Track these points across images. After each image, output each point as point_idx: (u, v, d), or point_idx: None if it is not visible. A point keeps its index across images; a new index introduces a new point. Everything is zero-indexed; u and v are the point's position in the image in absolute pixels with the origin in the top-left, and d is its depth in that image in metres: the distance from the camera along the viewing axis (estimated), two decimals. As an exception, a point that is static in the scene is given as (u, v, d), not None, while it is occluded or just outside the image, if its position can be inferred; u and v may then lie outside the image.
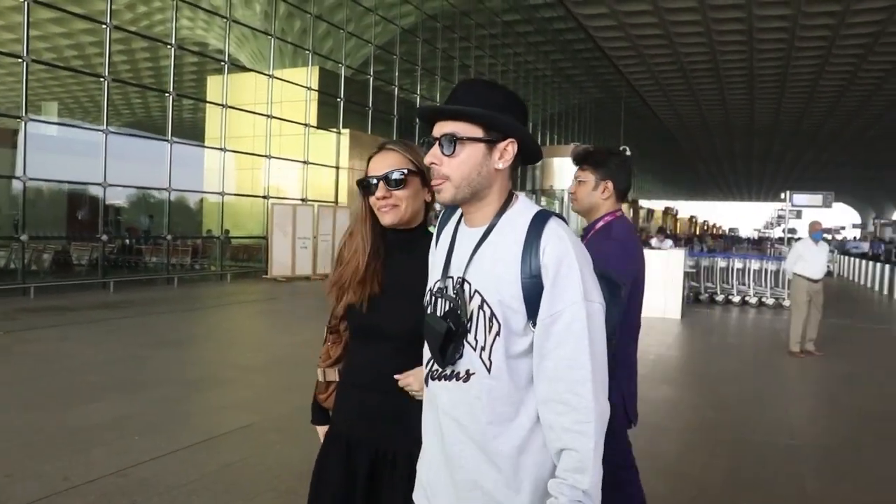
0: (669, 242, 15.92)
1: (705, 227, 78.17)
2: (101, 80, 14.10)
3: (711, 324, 12.61)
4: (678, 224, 61.31)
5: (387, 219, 1.85)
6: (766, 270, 15.13)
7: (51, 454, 4.52)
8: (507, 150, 1.53)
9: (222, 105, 17.09)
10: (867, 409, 6.92)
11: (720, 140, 57.41)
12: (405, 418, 1.79)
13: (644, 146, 49.81)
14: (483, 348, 1.49)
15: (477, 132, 1.51)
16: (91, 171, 13.99)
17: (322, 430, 2.09)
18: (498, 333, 1.47)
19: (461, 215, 1.64)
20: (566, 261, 1.44)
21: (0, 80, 21.14)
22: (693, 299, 14.97)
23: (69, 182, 14.87)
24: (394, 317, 1.83)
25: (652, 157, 60.64)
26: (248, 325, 11.35)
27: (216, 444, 4.86)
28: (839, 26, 27.00)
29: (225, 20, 17.32)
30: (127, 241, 17.06)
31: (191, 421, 5.44)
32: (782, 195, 28.28)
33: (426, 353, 1.62)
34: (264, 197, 18.54)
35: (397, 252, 1.91)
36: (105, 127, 13.77)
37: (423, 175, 1.86)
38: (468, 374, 1.51)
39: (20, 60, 12.35)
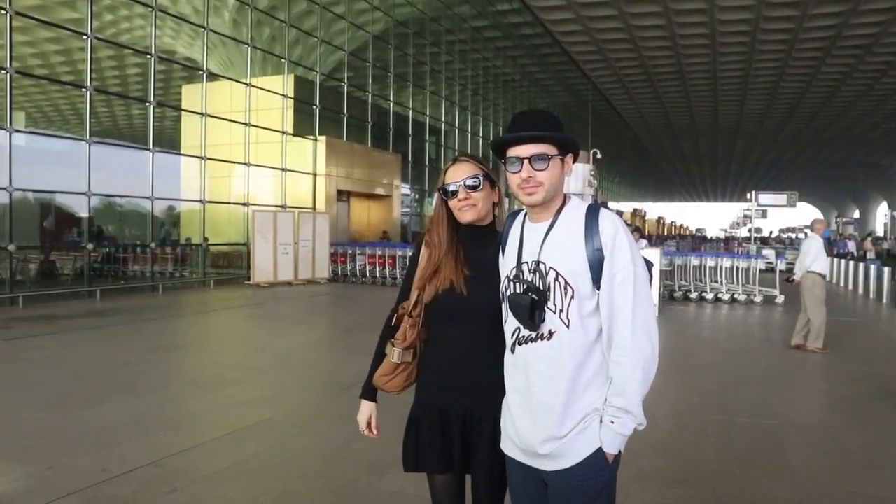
0: (644, 242, 16.39)
1: (674, 228, 79.30)
2: (83, 90, 14.16)
3: (688, 319, 13.06)
4: (646, 225, 62.17)
5: (467, 216, 2.24)
6: (737, 268, 15.64)
7: (82, 450, 4.74)
8: (568, 161, 2.04)
9: (202, 114, 17.21)
10: (840, 393, 7.39)
11: (686, 141, 58.38)
12: (489, 386, 2.16)
13: (612, 149, 50.51)
14: (561, 310, 1.94)
15: (555, 150, 1.99)
16: (71, 181, 14.06)
17: (367, 404, 2.40)
18: (572, 297, 1.93)
19: (524, 219, 2.10)
20: (618, 237, 1.93)
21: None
22: (668, 297, 15.44)
23: (54, 192, 14.86)
24: (475, 298, 2.19)
25: (619, 160, 61.50)
26: (241, 330, 11.54)
27: (240, 437, 5.12)
28: (799, 30, 27.79)
29: (202, 29, 17.42)
30: (109, 249, 17.07)
31: (209, 417, 5.69)
32: (748, 195, 28.96)
33: (509, 328, 2.05)
34: (244, 204, 18.67)
35: (473, 246, 2.28)
36: (88, 137, 13.84)
37: (491, 180, 2.27)
38: (551, 333, 1.95)
39: (4, 72, 12.39)
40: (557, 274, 1.95)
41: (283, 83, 19.97)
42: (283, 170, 19.74)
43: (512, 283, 2.04)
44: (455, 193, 2.23)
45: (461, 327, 2.24)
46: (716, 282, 15.72)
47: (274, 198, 19.73)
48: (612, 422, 1.91)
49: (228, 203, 19.15)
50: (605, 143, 40.28)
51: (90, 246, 14.57)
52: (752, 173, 76.83)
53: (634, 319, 1.89)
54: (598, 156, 25.47)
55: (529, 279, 1.99)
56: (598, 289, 1.93)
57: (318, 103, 20.99)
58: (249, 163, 18.74)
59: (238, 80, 18.83)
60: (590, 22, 29.04)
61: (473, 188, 2.23)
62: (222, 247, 19.32)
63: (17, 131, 12.82)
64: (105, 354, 8.38)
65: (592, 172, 24.63)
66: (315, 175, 20.57)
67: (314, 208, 20.18)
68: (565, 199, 2.07)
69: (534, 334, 1.97)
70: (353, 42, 23.25)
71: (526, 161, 1.96)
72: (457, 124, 31.87)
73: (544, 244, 1.99)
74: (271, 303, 14.28)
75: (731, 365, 8.71)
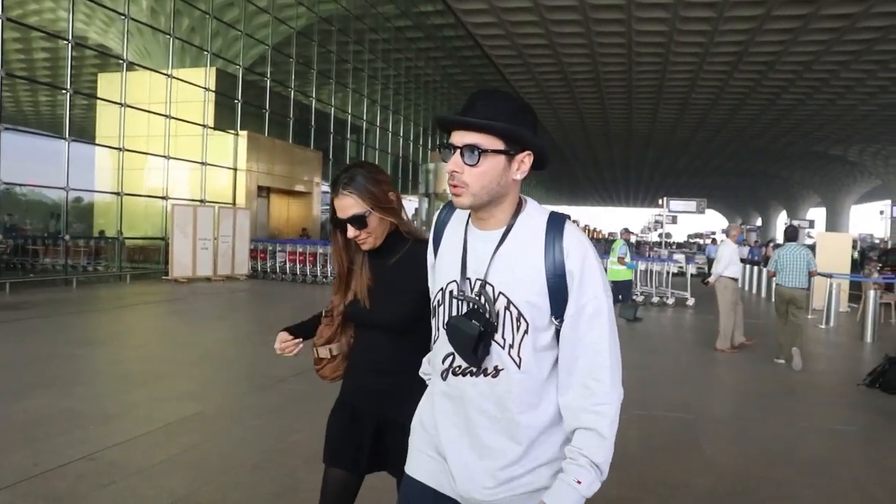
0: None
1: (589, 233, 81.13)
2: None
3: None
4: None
5: (366, 247, 2.20)
6: (650, 271, 16.28)
7: (12, 444, 4.66)
8: (525, 161, 1.64)
9: (121, 104, 16.75)
10: (749, 389, 7.88)
11: (600, 147, 59.92)
12: (402, 394, 2.12)
13: (529, 152, 51.34)
14: (512, 346, 1.63)
15: (498, 145, 1.59)
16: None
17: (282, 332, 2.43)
18: (526, 332, 1.61)
19: (468, 219, 1.73)
20: (587, 261, 1.61)
21: None
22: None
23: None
24: (378, 312, 2.19)
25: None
26: (163, 325, 11.33)
27: (174, 430, 5.12)
28: (710, 44, 28.99)
29: (122, 17, 16.97)
30: (19, 241, 16.43)
31: (140, 411, 5.64)
32: (659, 201, 29.99)
33: (441, 350, 1.74)
34: (163, 198, 18.27)
35: (378, 257, 2.25)
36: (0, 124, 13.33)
37: (379, 209, 2.15)
38: (497, 370, 1.64)
39: None
40: (509, 302, 1.62)
41: (205, 76, 19.63)
42: (203, 164, 19.40)
43: (450, 300, 1.71)
44: (345, 228, 2.18)
45: (370, 337, 2.25)
46: (645, 285, 16.29)
47: (192, 192, 19.36)
48: (580, 482, 1.57)
49: (147, 196, 18.68)
50: (523, 146, 41.02)
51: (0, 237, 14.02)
52: (663, 180, 79.45)
53: (612, 361, 1.62)
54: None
55: (475, 301, 1.65)
56: (556, 319, 1.63)
57: (239, 97, 20.71)
58: (169, 156, 18.34)
59: (158, 71, 18.40)
60: (511, 27, 29.53)
61: (361, 226, 2.15)
62: (139, 241, 18.84)
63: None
64: (23, 349, 8.14)
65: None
66: (236, 170, 20.28)
67: (234, 203, 19.91)
68: (521, 203, 1.70)
69: (474, 368, 1.67)
70: (276, 36, 23.02)
71: (457, 152, 1.60)
72: (378, 123, 31.92)
73: (493, 261, 1.64)
74: (191, 298, 14.05)
75: (648, 364, 9.11)
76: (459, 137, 1.60)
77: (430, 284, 1.86)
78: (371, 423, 2.22)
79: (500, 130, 1.59)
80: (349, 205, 2.13)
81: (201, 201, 18.94)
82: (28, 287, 14.41)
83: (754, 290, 20.98)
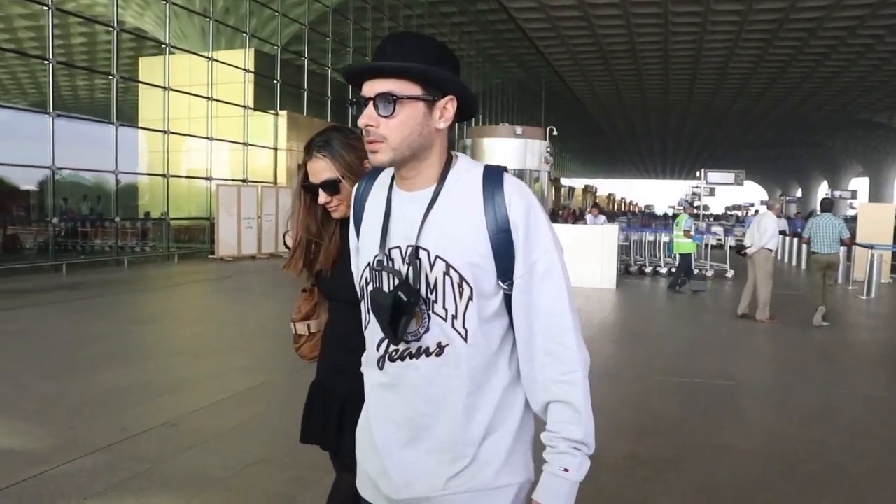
0: (603, 218, 16.99)
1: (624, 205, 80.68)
2: (46, 62, 14.06)
3: (644, 292, 13.67)
4: (597, 201, 63.22)
5: (337, 215, 2.06)
6: (705, 245, 16.34)
7: (95, 413, 5.03)
8: (448, 107, 1.46)
9: (165, 88, 17.16)
10: (786, 358, 8.03)
11: (637, 119, 59.42)
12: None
13: (564, 125, 51.32)
14: (455, 316, 1.43)
15: (416, 90, 1.42)
16: (35, 155, 14.01)
17: None
18: (471, 298, 1.42)
19: (392, 181, 1.55)
20: (532, 212, 1.44)
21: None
22: (624, 271, 16.06)
23: (17, 165, 14.72)
24: (338, 283, 2.03)
25: (571, 137, 62.29)
26: (214, 302, 11.75)
27: (241, 399, 5.46)
28: (748, 11, 28.58)
29: (165, 2, 17.32)
30: (74, 223, 16.99)
31: (206, 383, 5.99)
32: (697, 173, 29.77)
33: (374, 336, 1.53)
34: (207, 178, 18.71)
35: (346, 228, 1.95)
36: (51, 110, 13.76)
37: (351, 174, 2.02)
38: (441, 347, 1.44)
39: None
40: (448, 266, 1.42)
41: (245, 57, 19.95)
42: (244, 144, 19.79)
43: (375, 275, 1.50)
44: (317, 193, 2.05)
45: (336, 311, 2.16)
46: (670, 257, 16.37)
47: (234, 172, 19.79)
48: (566, 469, 1.41)
49: (192, 178, 19.14)
50: (557, 119, 40.97)
51: (55, 220, 14.54)
52: (701, 152, 78.55)
53: (574, 321, 1.45)
54: (555, 133, 26.11)
55: (395, 270, 1.46)
56: (504, 283, 1.44)
57: (278, 77, 21.03)
58: (212, 137, 18.75)
59: (199, 54, 18.77)
60: (546, -1, 29.45)
61: (334, 191, 2.02)
62: (184, 221, 19.35)
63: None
64: (86, 326, 8.57)
65: (548, 149, 25.19)
66: (276, 149, 20.66)
67: (275, 182, 20.31)
68: (451, 159, 1.51)
69: (413, 348, 1.45)
70: (310, 14, 23.23)
71: (370, 103, 1.42)
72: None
73: (425, 223, 1.44)
74: (238, 276, 14.47)
75: (688, 334, 9.30)
76: (371, 87, 1.42)
77: (353, 268, 1.65)
78: (338, 405, 2.13)
79: (416, 73, 1.41)
80: (322, 168, 2.03)
81: (244, 181, 19.36)
82: (82, 268, 14.94)
83: (793, 262, 20.88)
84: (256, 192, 18.31)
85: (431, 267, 1.44)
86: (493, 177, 1.47)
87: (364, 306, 1.56)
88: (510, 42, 37.87)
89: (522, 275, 1.43)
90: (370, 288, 1.51)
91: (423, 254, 1.44)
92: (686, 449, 4.63)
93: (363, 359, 1.65)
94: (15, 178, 15.91)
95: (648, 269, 16.25)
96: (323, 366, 2.25)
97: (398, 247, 1.47)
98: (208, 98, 18.58)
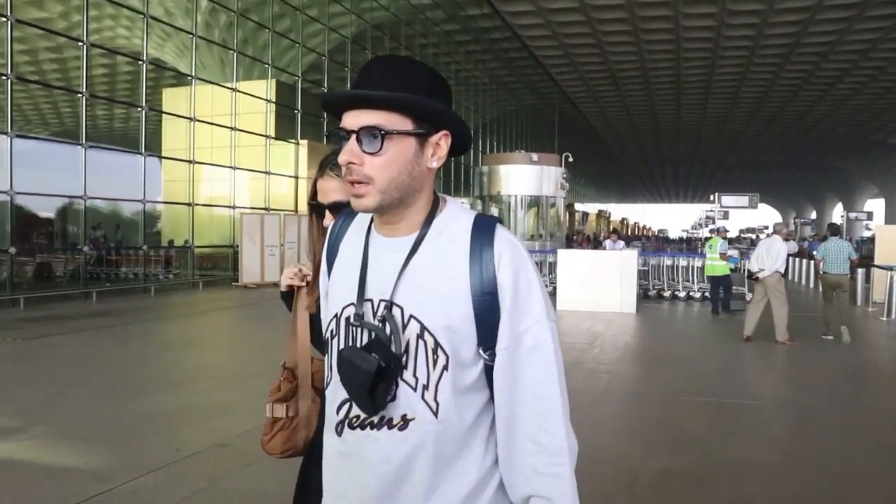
0: (622, 244, 17.19)
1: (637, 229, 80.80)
2: (79, 95, 14.49)
3: (664, 316, 13.83)
4: (611, 226, 63.39)
5: None
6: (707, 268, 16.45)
7: (149, 434, 5.26)
8: (441, 144, 1.29)
9: (190, 118, 17.59)
10: (811, 378, 8.18)
11: (649, 144, 59.77)
12: None
13: (577, 151, 51.71)
14: (426, 387, 1.24)
15: (406, 124, 1.23)
16: (67, 185, 14.40)
17: None
18: (445, 367, 1.23)
19: (370, 223, 1.36)
20: (524, 274, 1.26)
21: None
22: (643, 295, 16.21)
23: (50, 195, 15.08)
24: None
25: (584, 162, 62.64)
26: (242, 328, 12.00)
27: (287, 421, 5.66)
28: (759, 37, 28.94)
29: (191, 36, 17.80)
30: (101, 252, 17.33)
31: (252, 405, 6.19)
32: (711, 197, 29.96)
33: (335, 396, 1.33)
34: (231, 207, 19.08)
35: None
36: (84, 141, 14.17)
37: None
38: (405, 420, 1.25)
39: (4, 77, 12.70)
40: (423, 329, 1.24)
41: (266, 88, 20.39)
42: (266, 173, 20.18)
43: (346, 329, 1.32)
44: (324, 213, 1.91)
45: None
46: (687, 281, 16.52)
47: (254, 200, 20.14)
48: None
49: (216, 206, 19.53)
50: (570, 144, 41.32)
51: (87, 248, 14.89)
52: (713, 175, 78.74)
53: (563, 405, 1.26)
54: (570, 159, 26.45)
55: (376, 327, 1.26)
56: (485, 352, 1.25)
57: (299, 107, 21.45)
58: (235, 166, 19.14)
59: (223, 85, 19.22)
60: (557, 27, 29.90)
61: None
62: (208, 249, 19.68)
63: (18, 136, 13.07)
64: (124, 352, 8.83)
65: (565, 175, 25.54)
66: (297, 178, 21.03)
67: (296, 210, 20.65)
68: (437, 202, 1.33)
69: (375, 418, 1.26)
70: (328, 44, 23.68)
71: (353, 137, 1.23)
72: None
73: (402, 276, 1.26)
74: (262, 303, 14.73)
75: (711, 355, 9.46)
76: (354, 118, 1.23)
77: (322, 315, 1.46)
78: None
79: (408, 104, 1.22)
80: (333, 188, 1.86)
81: (266, 209, 19.71)
82: (111, 295, 15.26)
83: (809, 283, 20.98)
84: (279, 220, 18.64)
85: (404, 327, 1.24)
86: (484, 229, 1.28)
87: (327, 361, 1.37)
88: (523, 69, 38.38)
89: (507, 346, 1.24)
90: (336, 342, 1.33)
91: (396, 311, 1.25)
92: (718, 464, 4.81)
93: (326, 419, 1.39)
94: (45, 207, 16.29)
95: (667, 294, 16.40)
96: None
97: (370, 300, 1.28)
98: (232, 128, 18.99)
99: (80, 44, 14.46)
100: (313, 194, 1.95)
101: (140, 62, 16.14)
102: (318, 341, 1.89)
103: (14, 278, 13.62)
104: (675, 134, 53.49)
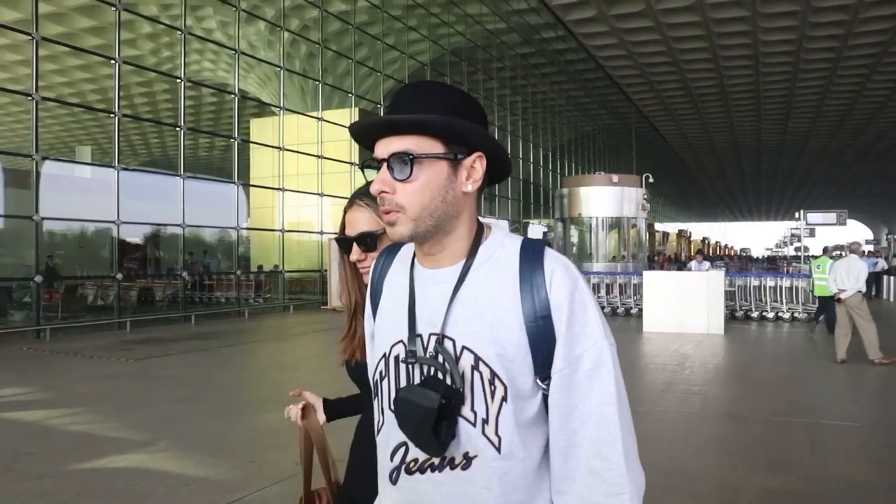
0: (707, 264, 17.07)
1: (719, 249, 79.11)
2: (178, 129, 15.32)
3: (753, 337, 13.67)
4: (692, 246, 62.27)
5: (367, 279, 1.56)
6: (796, 288, 16.17)
7: (268, 448, 5.62)
8: (476, 166, 1.24)
9: (280, 148, 18.36)
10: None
11: (728, 161, 58.68)
12: None
13: (654, 170, 51.15)
14: (486, 421, 1.19)
15: (437, 147, 1.20)
16: (166, 214, 15.24)
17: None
18: (504, 398, 1.18)
19: (412, 260, 1.32)
20: (578, 294, 1.20)
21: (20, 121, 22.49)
22: (730, 316, 16.00)
23: (152, 224, 16.00)
24: None
25: (663, 181, 61.87)
26: (337, 350, 12.41)
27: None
28: (843, 48, 28.30)
29: (279, 69, 18.61)
30: (198, 277, 18.19)
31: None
32: (796, 214, 29.21)
33: (388, 442, 1.27)
34: (319, 233, 19.74)
35: None
36: (182, 172, 14.98)
37: None
38: (468, 459, 1.19)
39: (29, 98, 12.61)
40: (477, 359, 1.19)
41: (350, 116, 21.07)
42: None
43: (396, 369, 1.27)
44: (350, 248, 1.73)
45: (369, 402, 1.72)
46: (776, 301, 16.24)
47: (337, 225, 20.66)
48: None
49: (306, 232, 20.25)
50: (648, 163, 40.99)
51: (185, 274, 15.67)
52: (798, 191, 76.55)
53: (624, 433, 1.17)
54: (651, 180, 26.30)
55: (432, 362, 1.21)
56: (543, 381, 1.19)
57: (381, 135, 22.02)
58: (322, 193, 19.81)
59: (309, 115, 19.97)
60: (633, 46, 29.91)
61: (369, 247, 1.68)
62: (296, 273, 20.38)
63: (125, 169, 13.93)
64: (231, 373, 9.33)
65: (646, 196, 25.41)
66: (380, 204, 21.56)
67: (381, 235, 21.17)
68: (481, 230, 1.28)
69: (436, 459, 1.21)
70: (405, 71, 24.28)
71: (384, 165, 1.20)
72: (506, 149, 32.73)
73: (452, 307, 1.22)
74: (352, 325, 15.17)
75: (805, 377, 9.36)
76: (385, 146, 1.21)
77: (368, 359, 1.43)
78: None
79: (436, 126, 1.20)
80: (361, 219, 1.71)
81: (350, 235, 20.30)
82: (208, 318, 16.00)
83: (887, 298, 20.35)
84: (365, 244, 19.18)
85: (457, 359, 1.20)
86: (532, 252, 1.23)
87: (377, 407, 1.31)
88: (599, 90, 38.42)
89: (562, 369, 1.17)
90: (384, 384, 1.29)
91: (448, 343, 1.21)
92: (820, 483, 4.86)
93: (379, 468, 1.34)
94: (145, 235, 17.23)
95: (755, 314, 16.15)
96: (351, 471, 1.84)
97: (419, 335, 1.24)
98: (318, 156, 19.69)
99: (178, 80, 15.28)
100: (341, 228, 1.79)
101: (233, 96, 16.93)
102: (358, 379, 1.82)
103: (120, 302, 14.47)
104: (755, 149, 52.43)
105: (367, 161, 1.25)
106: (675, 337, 12.58)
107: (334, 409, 2.00)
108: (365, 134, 1.25)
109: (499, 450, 1.17)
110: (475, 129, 1.21)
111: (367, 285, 1.48)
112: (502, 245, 1.25)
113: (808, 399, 7.85)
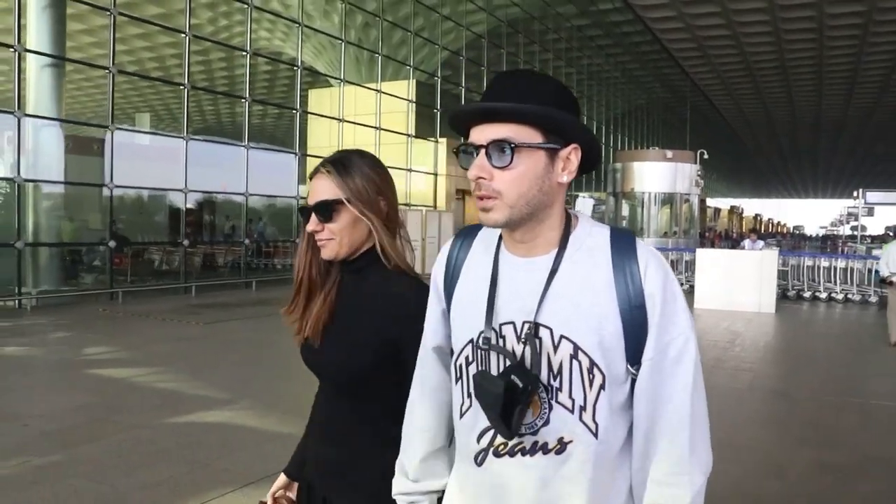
0: (761, 243, 17.05)
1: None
2: (243, 100, 15.78)
3: (805, 318, 13.72)
4: (743, 222, 61.38)
5: (324, 253, 1.61)
6: (851, 269, 16.05)
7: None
8: (571, 158, 1.26)
9: (339, 119, 18.76)
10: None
11: (785, 137, 57.41)
12: (348, 470, 1.62)
13: (708, 145, 50.33)
14: (583, 408, 1.22)
15: (536, 137, 1.22)
16: (229, 182, 15.78)
17: (283, 477, 1.92)
18: (602, 386, 1.22)
19: (498, 244, 1.33)
20: (670, 285, 1.24)
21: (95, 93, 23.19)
22: (782, 296, 15.98)
23: (216, 192, 16.57)
24: (327, 355, 1.64)
25: (716, 156, 60.92)
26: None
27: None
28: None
29: (340, 41, 18.94)
30: (256, 244, 18.77)
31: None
32: (854, 193, 28.65)
33: (474, 425, 1.30)
34: (376, 203, 20.14)
35: (345, 285, 1.68)
36: (246, 142, 15.48)
37: (358, 202, 1.58)
38: (563, 444, 1.23)
39: (107, 72, 13.29)
40: (576, 348, 1.22)
41: (408, 88, 21.34)
42: (408, 170, 21.16)
43: (481, 354, 1.29)
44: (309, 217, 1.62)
45: (324, 390, 1.77)
46: (829, 282, 16.18)
47: (401, 197, 21.08)
48: None
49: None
50: (702, 139, 40.47)
51: (247, 241, 16.24)
52: (858, 168, 74.59)
53: (694, 417, 1.24)
54: (706, 156, 26.08)
55: (513, 350, 1.25)
56: (633, 367, 1.24)
57: (438, 106, 22.29)
58: (379, 164, 20.18)
59: (367, 87, 20.29)
60: (691, 19, 29.39)
61: (326, 217, 1.58)
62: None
63: (192, 139, 14.45)
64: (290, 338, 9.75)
65: (699, 172, 25.24)
66: (436, 175, 21.91)
67: (435, 206, 21.52)
68: (569, 219, 1.31)
69: (526, 443, 1.24)
70: (459, 42, 24.31)
71: (482, 152, 1.22)
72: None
73: (546, 296, 1.23)
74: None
75: (855, 357, 9.49)
76: (482, 133, 1.22)
77: (421, 347, 1.46)
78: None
79: (538, 116, 1.21)
80: (321, 188, 1.60)
81: (407, 205, 20.68)
82: (267, 285, 16.54)
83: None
84: (421, 215, 19.55)
85: (556, 348, 1.22)
86: (624, 242, 1.26)
87: (461, 390, 1.33)
88: (655, 63, 37.89)
89: (651, 357, 1.22)
90: (471, 369, 1.30)
91: (544, 332, 1.23)
92: (870, 459, 5.08)
93: (457, 450, 1.38)
94: (209, 202, 17.84)
95: (807, 294, 16.12)
96: (308, 453, 1.78)
97: (511, 322, 1.25)
98: (376, 128, 20.04)
99: (245, 53, 15.72)
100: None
101: (295, 68, 17.34)
102: (309, 365, 1.75)
103: (185, 267, 15.09)
104: (814, 126, 51.18)
105: (463, 145, 1.26)
106: (726, 314, 12.70)
107: (298, 465, 1.83)
108: (464, 120, 1.27)
109: (596, 435, 1.22)
110: (572, 121, 1.24)
111: (324, 271, 1.64)
112: (591, 234, 1.28)
113: (858, 379, 8.01)
